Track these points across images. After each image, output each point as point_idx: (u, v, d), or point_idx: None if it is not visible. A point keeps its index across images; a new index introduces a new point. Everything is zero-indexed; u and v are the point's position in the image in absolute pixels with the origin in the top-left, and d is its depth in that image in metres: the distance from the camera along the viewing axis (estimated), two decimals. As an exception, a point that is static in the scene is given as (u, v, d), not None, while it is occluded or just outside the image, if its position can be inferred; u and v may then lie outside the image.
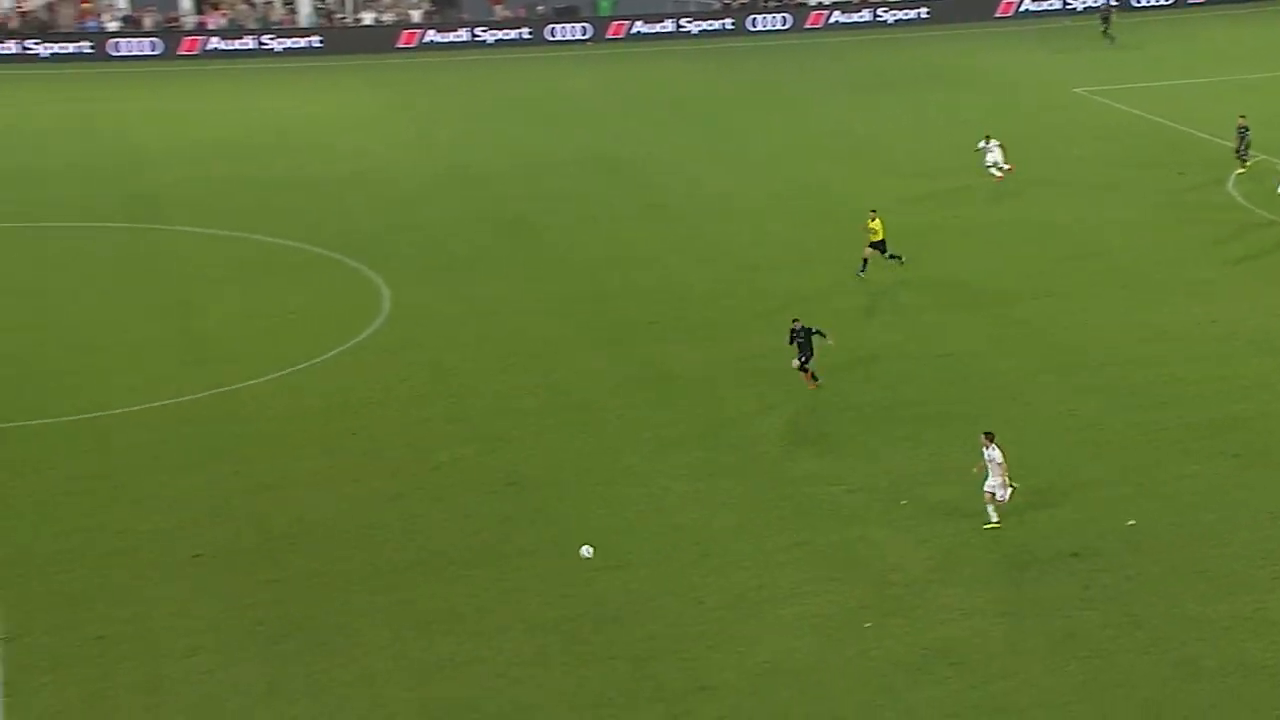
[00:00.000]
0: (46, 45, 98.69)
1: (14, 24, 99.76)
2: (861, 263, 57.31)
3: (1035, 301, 56.88)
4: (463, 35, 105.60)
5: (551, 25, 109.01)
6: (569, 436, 46.14)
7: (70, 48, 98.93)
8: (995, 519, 39.14)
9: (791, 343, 47.31)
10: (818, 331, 47.25)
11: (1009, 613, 35.80)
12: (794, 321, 47.40)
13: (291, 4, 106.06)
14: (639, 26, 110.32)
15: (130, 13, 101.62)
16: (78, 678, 34.32)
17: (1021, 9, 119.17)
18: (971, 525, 39.88)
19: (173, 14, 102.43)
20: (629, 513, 41.51)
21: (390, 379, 50.39)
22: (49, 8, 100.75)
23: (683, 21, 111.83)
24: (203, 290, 58.45)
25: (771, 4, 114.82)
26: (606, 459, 44.77)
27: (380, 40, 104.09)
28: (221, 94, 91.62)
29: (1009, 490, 39.22)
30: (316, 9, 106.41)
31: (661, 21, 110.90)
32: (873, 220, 57.02)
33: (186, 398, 48.98)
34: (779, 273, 59.35)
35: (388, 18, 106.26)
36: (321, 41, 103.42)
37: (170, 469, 44.45)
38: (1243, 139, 69.95)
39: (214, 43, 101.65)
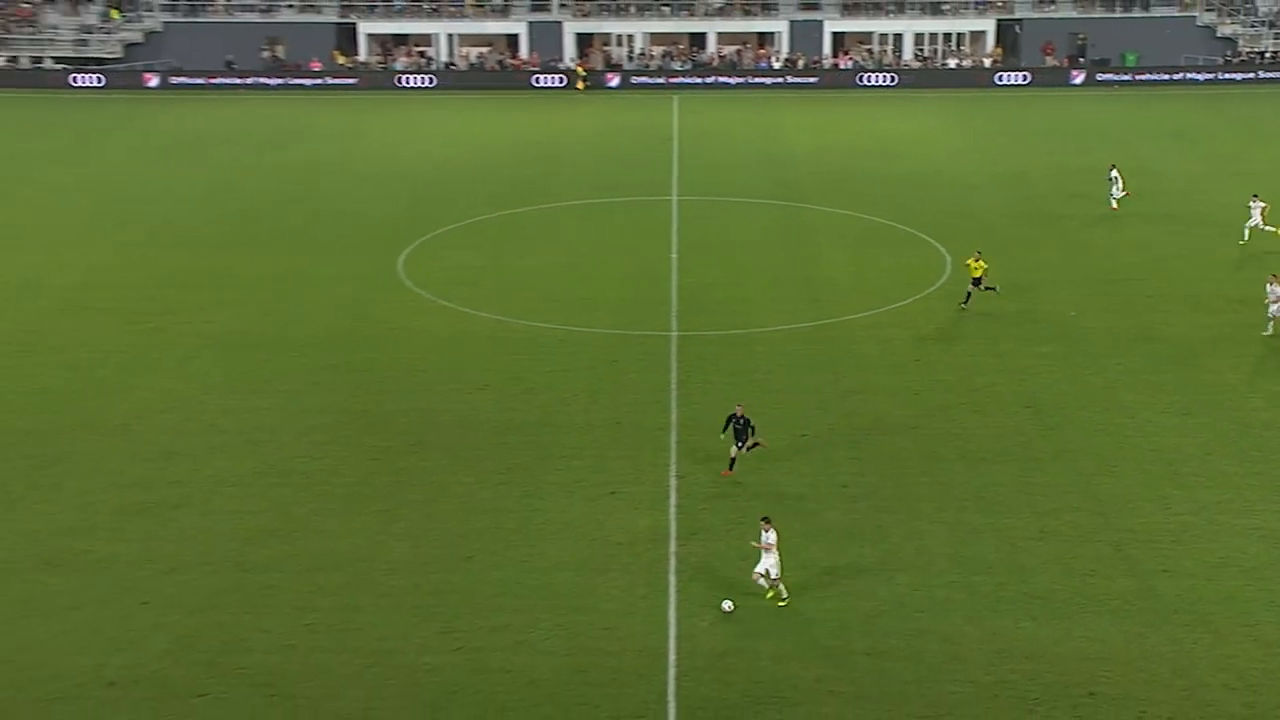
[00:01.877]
0: (737, 78, 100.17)
1: (714, 63, 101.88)
2: (966, 295, 50.54)
3: None
4: (1018, 78, 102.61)
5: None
6: (1077, 375, 44.23)
7: (753, 79, 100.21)
8: (784, 594, 30.84)
9: (726, 429, 37.03)
10: (752, 430, 36.83)
11: None
12: (737, 407, 37.01)
13: (899, 50, 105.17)
14: (1155, 75, 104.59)
15: (789, 55, 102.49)
16: (721, 510, 35.30)
17: None
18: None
19: (816, 56, 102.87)
20: (1118, 435, 39.72)
21: (946, 322, 49.42)
22: (738, 52, 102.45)
23: (1189, 73, 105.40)
24: (823, 250, 58.52)
25: (1268, 58, 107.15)
26: (1104, 394, 42.78)
27: (959, 79, 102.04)
28: (843, 113, 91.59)
29: (778, 571, 30.67)
30: (916, 55, 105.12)
31: (1174, 72, 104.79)
32: (976, 260, 50.18)
33: (804, 324, 49.14)
34: (1259, 269, 54.27)
35: (966, 63, 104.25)
36: (913, 79, 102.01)
37: (790, 373, 44.66)
38: None
39: (843, 77, 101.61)
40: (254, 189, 69.74)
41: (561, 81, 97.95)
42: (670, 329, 48.82)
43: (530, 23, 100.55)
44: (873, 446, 39.20)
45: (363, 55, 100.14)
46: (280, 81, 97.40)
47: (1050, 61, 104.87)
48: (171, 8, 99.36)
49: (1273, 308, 47.63)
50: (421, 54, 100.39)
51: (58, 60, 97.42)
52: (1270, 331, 47.70)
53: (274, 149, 78.88)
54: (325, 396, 43.07)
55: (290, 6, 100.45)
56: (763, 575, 30.89)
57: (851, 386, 43.68)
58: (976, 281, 50.30)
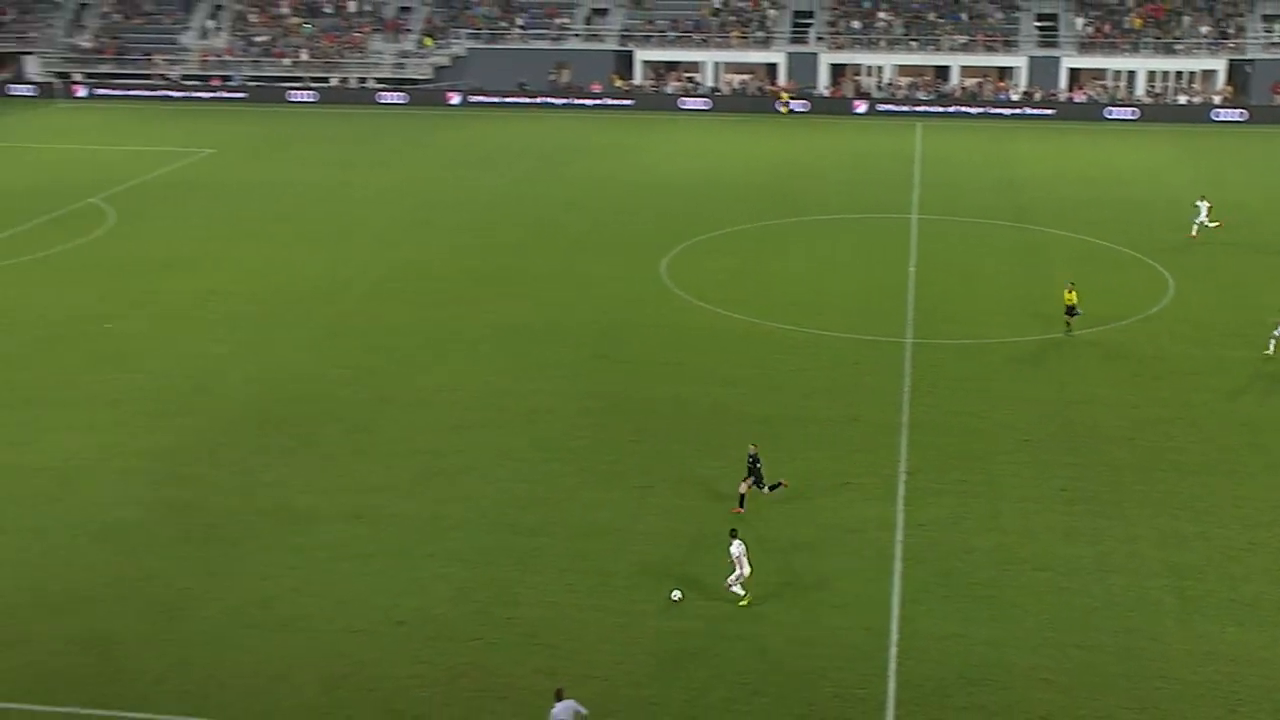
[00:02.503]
0: (977, 108, 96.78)
1: (956, 94, 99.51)
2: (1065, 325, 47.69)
3: None
4: (1237, 115, 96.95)
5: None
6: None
7: (992, 110, 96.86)
8: (741, 594, 29.92)
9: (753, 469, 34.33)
10: (760, 466, 34.30)
11: None
12: (751, 447, 34.71)
13: (1131, 86, 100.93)
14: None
15: (1027, 88, 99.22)
16: (946, 505, 34.66)
17: None
18: None
19: (1052, 90, 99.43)
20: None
21: (1167, 341, 47.25)
22: (979, 85, 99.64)
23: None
24: (1052, 270, 56.42)
25: None
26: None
27: (1189, 114, 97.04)
28: (1077, 144, 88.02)
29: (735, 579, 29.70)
30: (1148, 91, 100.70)
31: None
32: (1069, 291, 47.64)
33: (1031, 338, 47.71)
34: None
35: (1196, 100, 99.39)
36: (1142, 113, 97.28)
37: (1016, 382, 43.42)
38: None
39: (1077, 110, 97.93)
40: (540, 197, 70.91)
41: (807, 107, 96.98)
42: (905, 336, 47.95)
43: (789, 53, 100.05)
44: (1091, 454, 37.87)
45: (638, 79, 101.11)
46: (565, 101, 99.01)
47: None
48: (475, 35, 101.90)
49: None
50: (690, 79, 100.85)
51: (379, 80, 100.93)
52: (1271, 351, 45.49)
53: (558, 162, 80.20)
54: (594, 383, 43.63)
55: (576, 35, 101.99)
56: (735, 583, 29.95)
57: (1073, 398, 42.27)
58: (1070, 310, 47.68)
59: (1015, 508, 34.59)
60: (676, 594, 30.17)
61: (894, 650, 28.34)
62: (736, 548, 29.73)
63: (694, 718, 26.21)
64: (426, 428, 40.10)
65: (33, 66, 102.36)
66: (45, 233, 62.62)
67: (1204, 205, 61.84)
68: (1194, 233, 61.50)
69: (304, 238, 61.97)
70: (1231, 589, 30.36)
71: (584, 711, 24.78)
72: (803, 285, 54.39)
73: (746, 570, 29.75)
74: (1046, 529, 33.41)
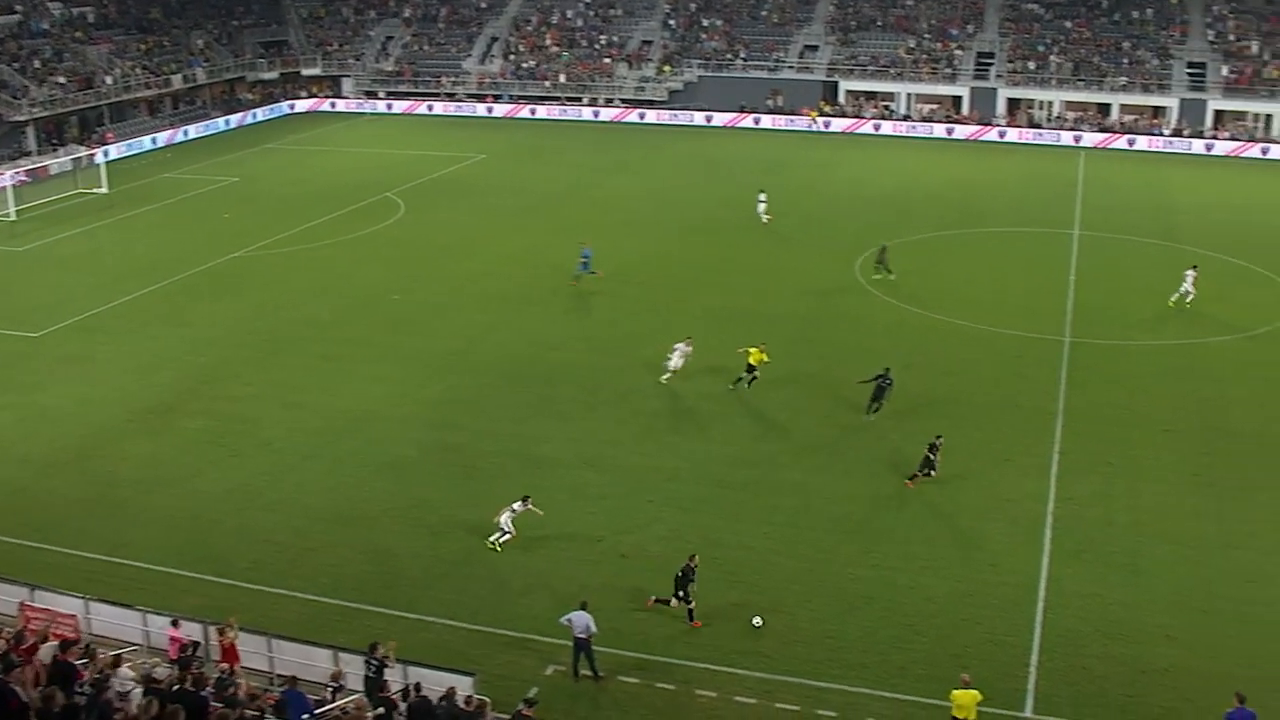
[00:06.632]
0: (1133, 141, 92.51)
1: (1115, 128, 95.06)
2: None
3: None
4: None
5: None
6: None
7: (1148, 148, 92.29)
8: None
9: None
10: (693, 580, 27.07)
11: None
12: (692, 558, 27.20)
13: (1268, 128, 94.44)
14: None
15: (1177, 125, 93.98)
16: (1092, 483, 33.81)
17: None
18: None
19: (1200, 129, 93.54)
20: None
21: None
22: (1135, 121, 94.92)
23: None
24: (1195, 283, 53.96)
25: None
26: None
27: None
28: (1220, 177, 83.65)
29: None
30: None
31: None
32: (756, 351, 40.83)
33: (1173, 342, 45.72)
34: None
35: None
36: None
37: (1159, 380, 41.81)
38: None
39: (1221, 147, 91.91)
40: (754, 203, 70.12)
41: (1001, 136, 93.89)
42: (1064, 335, 46.55)
43: (972, 88, 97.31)
44: (1222, 446, 36.42)
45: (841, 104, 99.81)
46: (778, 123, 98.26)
47: None
48: (704, 65, 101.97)
49: None
50: (886, 107, 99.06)
51: (623, 101, 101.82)
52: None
53: (771, 172, 79.25)
54: (794, 364, 43.26)
55: (790, 67, 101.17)
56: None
57: (1209, 395, 40.60)
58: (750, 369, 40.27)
59: (1152, 488, 33.55)
60: (757, 620, 26.97)
61: (1041, 605, 27.90)
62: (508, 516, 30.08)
63: (866, 650, 26.25)
64: (649, 393, 40.63)
65: (348, 86, 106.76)
66: (351, 220, 65.33)
67: (763, 197, 63.91)
68: (764, 220, 63.29)
69: (555, 229, 62.92)
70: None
71: (594, 630, 24.72)
72: (974, 287, 53.10)
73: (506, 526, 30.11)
74: (1178, 508, 32.35)
